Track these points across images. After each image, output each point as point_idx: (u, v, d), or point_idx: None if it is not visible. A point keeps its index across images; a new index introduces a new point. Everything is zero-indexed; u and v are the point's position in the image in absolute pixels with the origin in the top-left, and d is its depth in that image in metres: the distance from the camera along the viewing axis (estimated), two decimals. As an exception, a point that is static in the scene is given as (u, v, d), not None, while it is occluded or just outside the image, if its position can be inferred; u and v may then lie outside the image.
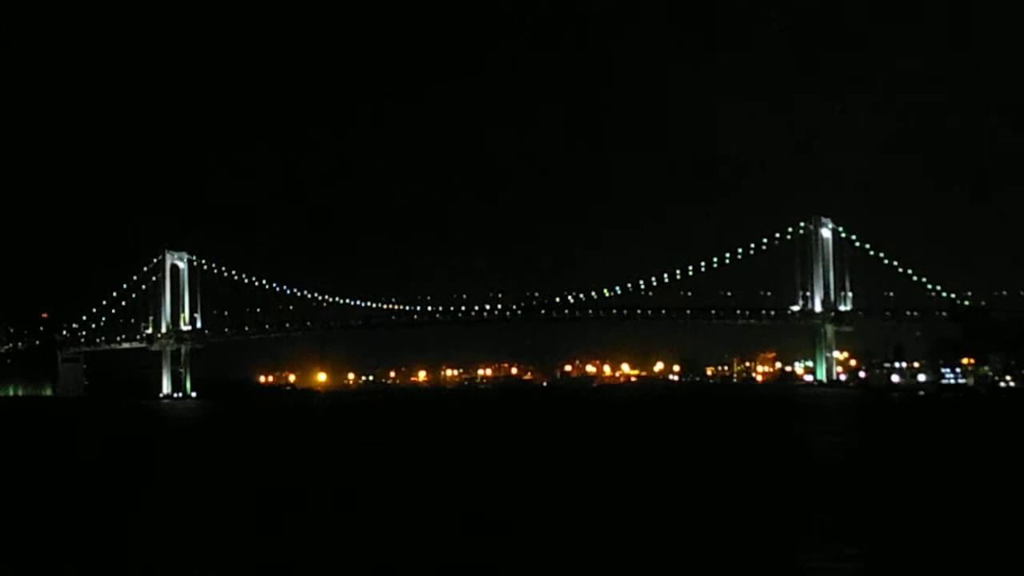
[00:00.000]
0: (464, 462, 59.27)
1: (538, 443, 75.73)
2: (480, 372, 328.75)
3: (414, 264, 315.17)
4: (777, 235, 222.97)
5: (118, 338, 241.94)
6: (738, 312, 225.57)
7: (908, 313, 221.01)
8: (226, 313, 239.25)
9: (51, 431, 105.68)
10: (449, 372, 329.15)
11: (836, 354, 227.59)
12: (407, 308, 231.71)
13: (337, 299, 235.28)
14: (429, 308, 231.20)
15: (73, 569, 29.00)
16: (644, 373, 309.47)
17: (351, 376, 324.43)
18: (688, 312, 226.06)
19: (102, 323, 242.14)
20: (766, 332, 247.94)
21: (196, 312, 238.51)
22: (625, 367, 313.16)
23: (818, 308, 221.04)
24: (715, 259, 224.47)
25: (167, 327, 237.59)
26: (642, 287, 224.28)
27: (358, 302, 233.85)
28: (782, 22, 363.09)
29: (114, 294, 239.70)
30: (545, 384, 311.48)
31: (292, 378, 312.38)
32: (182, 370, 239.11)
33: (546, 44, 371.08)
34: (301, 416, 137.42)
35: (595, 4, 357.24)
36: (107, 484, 49.83)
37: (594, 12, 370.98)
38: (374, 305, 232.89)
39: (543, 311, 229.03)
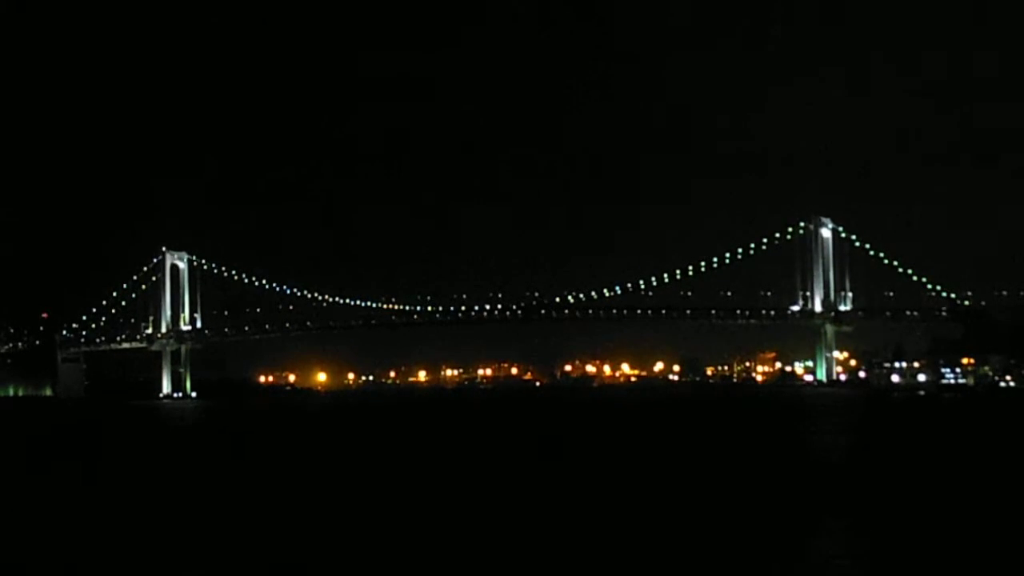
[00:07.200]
0: (464, 462, 59.27)
1: (540, 443, 75.77)
2: (480, 372, 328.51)
3: (414, 264, 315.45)
4: (777, 235, 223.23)
5: (118, 338, 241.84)
6: (738, 312, 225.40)
7: (908, 313, 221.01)
8: (226, 313, 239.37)
9: (50, 431, 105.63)
10: (449, 372, 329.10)
11: (836, 354, 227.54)
12: (407, 308, 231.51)
13: (337, 299, 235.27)
14: (429, 308, 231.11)
15: (72, 569, 29.00)
16: (644, 373, 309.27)
17: (351, 376, 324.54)
18: (688, 312, 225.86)
19: (102, 323, 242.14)
20: (766, 332, 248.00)
21: (196, 312, 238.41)
22: (625, 367, 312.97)
23: (818, 308, 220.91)
24: (715, 259, 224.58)
25: (167, 327, 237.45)
26: (642, 287, 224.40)
27: (358, 302, 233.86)
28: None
29: (114, 294, 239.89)
30: (551, 384, 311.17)
31: (292, 378, 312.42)
32: (182, 370, 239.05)
33: (546, 42, 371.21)
34: (300, 416, 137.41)
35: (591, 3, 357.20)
36: (106, 483, 49.85)
37: (592, 7, 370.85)
38: (374, 305, 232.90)
39: (543, 311, 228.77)
